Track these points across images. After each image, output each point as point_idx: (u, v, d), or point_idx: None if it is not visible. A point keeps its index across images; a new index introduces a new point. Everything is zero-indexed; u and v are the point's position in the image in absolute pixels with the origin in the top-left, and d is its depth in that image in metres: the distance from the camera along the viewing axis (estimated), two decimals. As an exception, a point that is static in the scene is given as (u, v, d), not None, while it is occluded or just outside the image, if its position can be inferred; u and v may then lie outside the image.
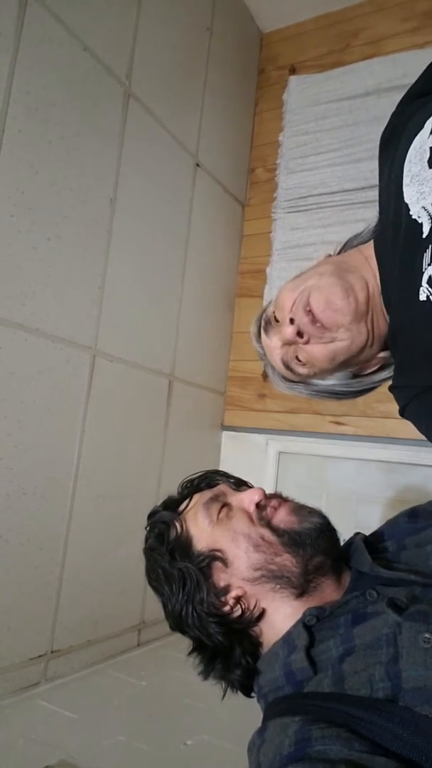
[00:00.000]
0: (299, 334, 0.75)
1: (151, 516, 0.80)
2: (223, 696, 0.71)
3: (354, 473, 1.96)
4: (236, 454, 2.14)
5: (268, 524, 0.70)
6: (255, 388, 2.16)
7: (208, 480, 0.81)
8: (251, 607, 0.68)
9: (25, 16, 1.35)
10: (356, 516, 1.87)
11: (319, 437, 2.01)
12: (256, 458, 2.10)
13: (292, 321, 0.75)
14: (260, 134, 2.36)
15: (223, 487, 0.78)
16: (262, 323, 0.83)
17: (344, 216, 2.05)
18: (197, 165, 2.03)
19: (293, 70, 2.32)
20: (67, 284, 1.49)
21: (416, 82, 0.76)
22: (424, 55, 1.99)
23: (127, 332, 1.70)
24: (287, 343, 0.78)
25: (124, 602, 1.68)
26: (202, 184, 2.06)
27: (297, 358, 0.78)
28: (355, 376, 0.81)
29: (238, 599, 0.68)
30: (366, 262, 0.76)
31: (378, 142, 0.81)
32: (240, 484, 0.81)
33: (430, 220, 0.64)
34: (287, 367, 0.80)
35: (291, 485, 2.03)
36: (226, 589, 0.69)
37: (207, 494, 0.76)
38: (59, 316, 1.46)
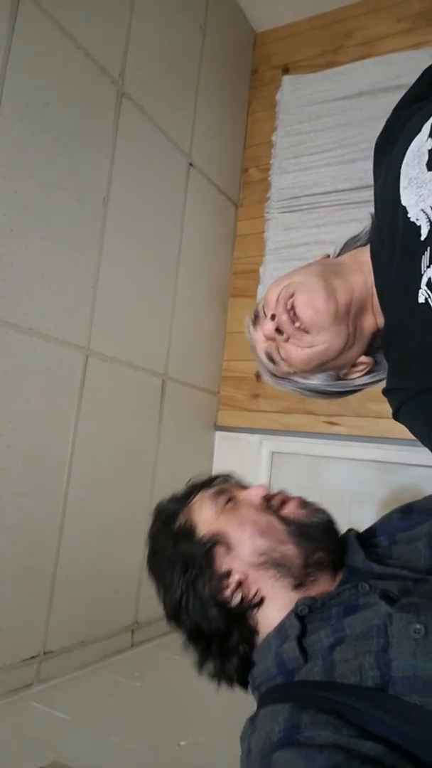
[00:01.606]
0: (278, 330, 0.75)
1: (157, 507, 0.81)
2: (218, 687, 0.72)
3: (348, 473, 1.97)
4: (230, 454, 2.14)
5: (276, 513, 0.72)
6: (248, 388, 2.16)
7: (214, 479, 0.83)
8: (251, 594, 0.69)
9: (18, 15, 1.35)
10: (350, 516, 1.87)
11: (313, 437, 2.01)
12: (249, 458, 2.09)
13: (273, 317, 0.76)
14: (253, 134, 2.36)
15: (228, 485, 0.80)
16: (252, 316, 0.84)
17: (338, 216, 2.05)
18: (190, 165, 2.03)
19: (287, 70, 2.32)
20: (60, 284, 1.48)
21: (412, 86, 0.76)
22: (417, 56, 2.00)
23: (120, 332, 1.70)
24: (270, 339, 0.78)
25: (117, 603, 1.68)
26: (195, 184, 2.06)
27: (279, 353, 0.79)
28: (339, 378, 0.82)
29: (239, 584, 0.69)
30: (359, 266, 0.77)
31: (372, 143, 0.81)
32: (245, 486, 0.82)
33: (428, 223, 0.64)
34: (271, 359, 0.81)
35: (285, 485, 1.99)
36: (228, 573, 0.70)
37: (213, 489, 0.78)
38: (52, 316, 1.46)
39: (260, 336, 0.81)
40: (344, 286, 0.74)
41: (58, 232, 1.47)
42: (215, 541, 0.71)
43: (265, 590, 0.69)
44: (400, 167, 0.69)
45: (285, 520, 0.71)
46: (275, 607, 0.68)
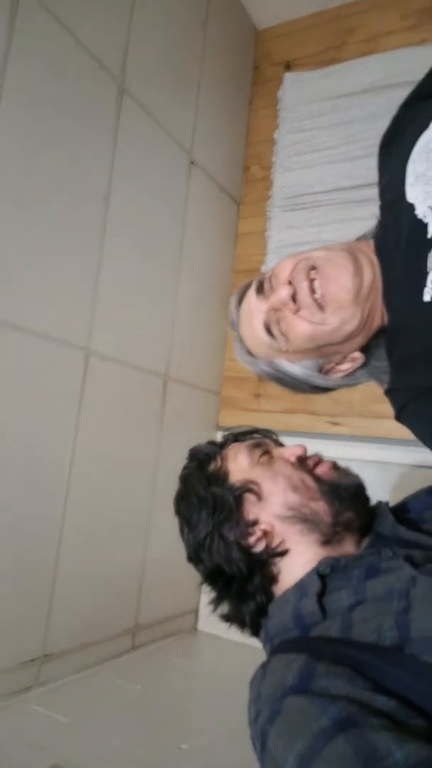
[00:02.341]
0: (293, 298, 0.73)
1: (191, 450, 0.82)
2: (230, 625, 0.73)
3: (350, 474, 1.95)
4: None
5: (310, 472, 0.73)
6: (250, 388, 2.15)
7: (251, 433, 0.84)
8: (275, 544, 0.70)
9: (18, 10, 1.34)
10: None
11: (315, 438, 1.99)
12: (251, 458, 2.08)
13: (290, 282, 0.73)
14: (255, 131, 2.34)
15: (266, 440, 0.81)
16: (255, 284, 0.81)
17: (341, 214, 2.03)
18: (192, 162, 2.02)
19: (289, 67, 2.30)
20: (60, 283, 1.47)
21: (420, 83, 0.75)
22: (421, 53, 1.98)
23: (120, 331, 1.69)
24: (274, 309, 0.75)
25: (118, 605, 1.67)
26: (196, 181, 2.04)
27: (279, 327, 0.76)
28: (322, 370, 0.80)
29: (265, 533, 0.70)
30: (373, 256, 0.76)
31: (375, 141, 0.81)
32: (282, 445, 0.83)
33: None
34: (268, 331, 0.77)
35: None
36: (255, 522, 0.71)
37: (250, 442, 0.79)
38: (52, 315, 1.45)
39: (262, 306, 0.77)
40: (369, 266, 0.73)
41: (58, 230, 1.46)
42: (246, 488, 0.72)
43: (291, 543, 0.70)
44: (406, 164, 0.69)
45: (318, 479, 0.72)
46: (299, 561, 0.69)
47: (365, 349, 0.78)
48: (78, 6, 1.51)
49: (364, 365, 0.79)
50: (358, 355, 0.77)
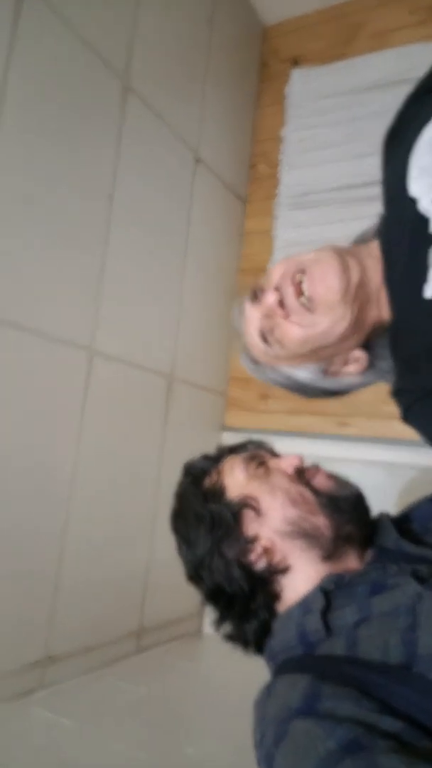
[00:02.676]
0: (280, 304, 0.73)
1: (186, 465, 0.81)
2: (232, 647, 0.72)
3: (359, 476, 1.92)
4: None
5: (308, 484, 0.72)
6: (257, 388, 2.13)
7: (246, 445, 0.82)
8: (277, 561, 0.68)
9: (22, 8, 1.33)
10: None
11: (323, 439, 1.98)
12: (258, 459, 2.07)
13: (276, 289, 0.74)
14: (262, 129, 2.33)
15: (261, 451, 0.80)
16: (250, 294, 0.81)
17: (348, 212, 2.01)
18: (197, 160, 2.00)
19: (296, 63, 2.28)
20: (64, 282, 1.47)
21: (423, 78, 0.74)
22: (430, 49, 1.96)
23: (124, 331, 1.68)
24: (267, 315, 0.75)
25: (122, 607, 1.66)
26: (202, 180, 2.03)
27: (274, 334, 0.76)
28: (327, 373, 0.79)
29: (265, 550, 0.68)
30: (369, 255, 0.75)
31: (383, 137, 0.79)
32: (277, 455, 0.81)
33: None
34: (263, 338, 0.77)
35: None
36: (255, 538, 0.69)
37: (245, 454, 0.77)
38: (56, 315, 1.44)
39: (256, 313, 0.78)
40: (358, 265, 0.72)
41: (62, 229, 1.45)
42: (245, 504, 0.70)
43: (292, 559, 0.68)
44: (408, 157, 0.68)
45: (317, 492, 0.71)
46: (301, 577, 0.68)
47: (370, 349, 0.77)
48: (82, 3, 1.50)
49: (371, 366, 0.78)
50: (359, 354, 0.76)
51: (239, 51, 2.26)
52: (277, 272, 0.75)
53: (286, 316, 0.73)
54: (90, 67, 1.53)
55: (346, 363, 0.77)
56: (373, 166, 1.94)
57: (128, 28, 1.67)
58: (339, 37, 2.20)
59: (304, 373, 0.79)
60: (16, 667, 1.34)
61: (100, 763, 1.11)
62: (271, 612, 0.69)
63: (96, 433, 1.56)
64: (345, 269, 0.71)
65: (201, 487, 0.75)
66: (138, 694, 1.42)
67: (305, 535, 0.68)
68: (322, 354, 0.76)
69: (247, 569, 0.68)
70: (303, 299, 0.72)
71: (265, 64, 2.38)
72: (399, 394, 0.72)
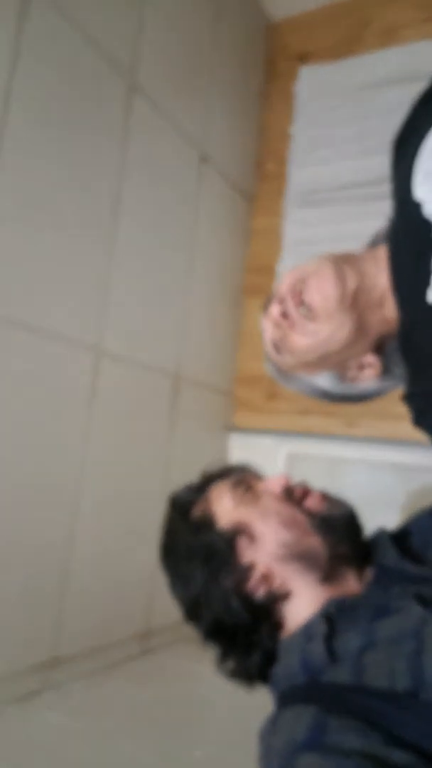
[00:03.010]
0: (284, 315, 0.75)
1: (171, 497, 0.79)
2: (238, 685, 0.69)
3: (367, 477, 1.92)
4: (244, 456, 2.10)
5: (299, 505, 0.71)
6: (263, 388, 2.12)
7: (231, 470, 0.80)
8: (276, 587, 0.67)
9: (28, 8, 1.33)
10: (369, 521, 1.83)
11: (331, 439, 1.97)
12: (264, 461, 2.04)
13: (281, 301, 0.76)
14: (269, 127, 2.31)
15: (247, 475, 0.78)
16: (264, 306, 0.83)
17: (357, 210, 2.00)
18: (204, 159, 2.00)
19: (304, 61, 2.27)
20: (70, 282, 1.47)
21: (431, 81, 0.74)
22: (439, 45, 1.94)
23: (131, 331, 1.67)
24: (276, 326, 0.78)
25: (128, 609, 1.66)
26: (209, 179, 2.02)
27: (283, 343, 0.78)
28: (344, 379, 0.80)
29: (264, 576, 0.67)
30: (374, 260, 0.75)
31: (391, 135, 0.79)
32: (262, 477, 0.80)
33: None
34: (276, 348, 0.79)
35: (301, 488, 1.99)
36: (252, 566, 0.67)
37: (231, 479, 0.76)
38: (62, 315, 1.44)
39: (269, 325, 0.80)
40: (354, 272, 0.73)
41: (68, 228, 1.45)
42: (238, 531, 0.69)
43: (291, 584, 0.67)
44: (414, 161, 0.68)
45: (308, 513, 0.70)
46: (302, 602, 0.66)
47: (383, 354, 0.77)
48: (88, 3, 1.49)
49: (386, 371, 0.78)
50: (371, 359, 0.77)
51: (246, 49, 2.25)
52: (285, 283, 0.77)
53: (291, 326, 0.75)
54: (96, 66, 1.53)
55: (361, 368, 0.78)
56: (381, 164, 1.92)
57: (134, 26, 1.66)
58: (346, 34, 2.18)
59: (323, 380, 0.80)
60: (22, 668, 1.34)
61: (107, 765, 1.11)
62: (275, 641, 0.67)
63: (103, 432, 1.56)
64: (340, 278, 0.72)
65: (189, 519, 0.73)
66: (144, 696, 1.42)
67: (301, 557, 0.67)
68: (332, 360, 0.77)
69: (247, 599, 0.67)
70: (303, 309, 0.73)
71: (272, 61, 2.36)
72: (410, 398, 0.72)
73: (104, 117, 1.56)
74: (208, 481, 0.78)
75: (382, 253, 0.75)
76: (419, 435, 0.76)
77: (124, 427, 1.64)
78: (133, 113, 1.66)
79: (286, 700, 0.60)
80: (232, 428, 2.16)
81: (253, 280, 2.24)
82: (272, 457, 2.05)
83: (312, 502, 0.71)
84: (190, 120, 1.92)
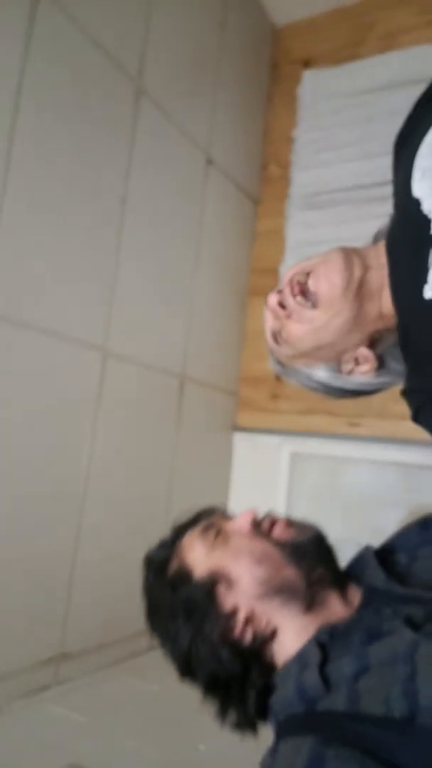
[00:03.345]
0: (281, 305, 0.76)
1: (145, 559, 0.79)
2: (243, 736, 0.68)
3: (370, 476, 1.93)
4: (248, 455, 2.12)
5: (268, 537, 0.71)
6: (267, 388, 2.14)
7: (198, 517, 0.80)
8: (262, 627, 0.66)
9: (37, 13, 1.34)
10: (372, 520, 1.84)
11: (334, 439, 1.98)
12: (268, 460, 2.07)
13: (279, 292, 0.77)
14: (273, 130, 2.33)
15: (214, 518, 0.77)
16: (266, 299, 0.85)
17: (360, 213, 2.01)
18: (209, 162, 2.01)
19: (307, 65, 2.28)
20: (77, 283, 1.48)
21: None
22: (440, 49, 1.96)
23: (137, 332, 1.69)
24: (275, 317, 0.79)
25: (135, 605, 1.65)
26: (213, 181, 2.04)
27: (281, 333, 0.79)
28: (341, 372, 0.80)
29: (248, 620, 0.66)
30: (376, 255, 0.76)
31: (394, 137, 0.80)
32: (230, 516, 0.80)
33: None
34: (275, 339, 0.80)
35: (304, 488, 2.00)
36: (234, 611, 0.67)
37: (199, 526, 0.75)
38: (69, 316, 1.45)
39: (269, 316, 0.81)
40: (361, 263, 0.74)
41: (75, 230, 1.47)
42: (214, 579, 0.68)
43: (276, 620, 0.66)
44: (413, 159, 0.69)
45: (278, 544, 0.69)
46: (290, 635, 0.66)
47: (379, 349, 0.78)
48: (96, 7, 1.51)
49: (383, 366, 0.79)
50: (366, 352, 0.77)
51: (250, 53, 2.26)
52: (287, 276, 0.78)
53: (288, 315, 0.76)
54: (103, 70, 1.54)
55: (357, 363, 0.78)
56: (384, 166, 1.93)
57: (141, 31, 1.68)
58: (349, 39, 2.19)
59: (321, 373, 0.80)
60: (30, 664, 1.35)
61: (113, 760, 1.12)
62: (269, 678, 0.66)
63: (109, 432, 1.57)
64: (348, 266, 0.73)
65: (165, 578, 0.72)
66: (151, 691, 1.43)
67: (280, 590, 0.66)
68: (328, 351, 0.77)
69: (235, 647, 0.66)
70: (300, 298, 0.74)
71: (276, 65, 2.38)
72: (409, 394, 0.73)
73: (112, 120, 1.58)
74: (178, 533, 0.78)
75: (382, 249, 0.76)
76: (421, 434, 0.77)
77: (129, 427, 1.66)
78: (140, 116, 1.67)
79: (284, 730, 0.60)
80: (237, 428, 2.17)
81: (257, 281, 2.25)
82: (276, 457, 2.07)
83: (279, 532, 0.71)
84: (195, 123, 1.93)
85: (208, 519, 0.77)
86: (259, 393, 2.16)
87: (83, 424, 1.50)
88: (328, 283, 0.73)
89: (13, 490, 1.32)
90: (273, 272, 2.20)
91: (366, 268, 0.74)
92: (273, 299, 0.77)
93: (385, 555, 0.75)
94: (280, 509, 1.98)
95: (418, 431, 0.77)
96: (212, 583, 0.68)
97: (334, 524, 2.00)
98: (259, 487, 2.04)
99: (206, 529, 0.74)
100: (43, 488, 1.39)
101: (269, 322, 0.81)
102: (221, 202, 2.09)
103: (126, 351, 1.63)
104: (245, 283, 2.25)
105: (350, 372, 0.79)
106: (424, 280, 0.64)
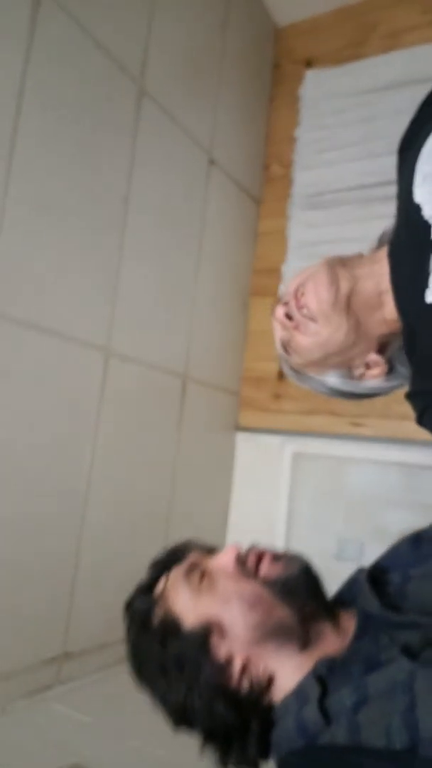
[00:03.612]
0: (288, 316, 0.78)
1: (127, 608, 0.73)
2: None
3: (372, 476, 1.93)
4: (251, 455, 2.12)
5: (255, 577, 0.67)
6: (270, 388, 2.14)
7: (177, 554, 0.76)
8: (259, 674, 0.64)
9: (39, 14, 1.35)
10: (375, 520, 1.84)
11: (337, 439, 1.98)
12: (271, 460, 2.07)
13: (285, 303, 0.79)
14: (276, 130, 2.33)
15: (194, 557, 0.73)
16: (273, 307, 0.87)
17: (362, 212, 2.01)
18: (211, 162, 2.01)
19: (310, 65, 2.28)
20: (80, 283, 1.48)
21: None
22: (443, 48, 1.95)
23: (140, 331, 1.69)
24: (284, 327, 0.81)
25: (138, 604, 1.67)
26: (216, 181, 2.04)
27: (290, 343, 0.81)
28: (352, 378, 0.82)
29: (243, 668, 0.64)
30: (371, 261, 0.77)
31: (397, 137, 0.80)
32: (210, 550, 0.76)
33: None
34: (285, 349, 0.82)
35: (307, 488, 2.00)
36: (229, 660, 0.64)
37: (181, 568, 0.71)
38: (73, 316, 1.46)
39: (278, 326, 0.82)
40: (348, 275, 0.75)
41: (78, 231, 1.47)
42: (207, 630, 0.64)
43: (273, 665, 0.64)
44: (415, 164, 0.69)
45: (267, 583, 0.66)
46: (287, 675, 0.64)
47: (388, 353, 0.79)
48: (98, 8, 1.51)
49: (392, 370, 0.80)
50: (376, 358, 0.78)
51: (252, 53, 2.26)
52: (291, 286, 0.80)
53: (296, 327, 0.78)
54: (106, 71, 1.55)
55: (368, 367, 0.80)
56: (386, 166, 1.93)
57: (143, 32, 1.68)
58: (352, 39, 2.19)
59: (332, 379, 0.82)
60: (33, 663, 1.36)
61: (117, 759, 1.12)
62: (267, 725, 0.63)
63: (112, 432, 1.57)
64: (333, 281, 0.74)
65: (151, 630, 0.67)
66: (153, 691, 1.43)
67: (274, 633, 0.64)
68: (336, 360, 0.79)
69: (232, 699, 0.63)
70: (305, 311, 0.76)
71: (278, 65, 2.38)
72: (414, 396, 0.73)
73: (114, 121, 1.58)
74: (157, 574, 0.74)
75: (382, 255, 0.76)
76: (424, 434, 0.77)
77: (132, 427, 1.66)
78: (142, 117, 1.68)
79: (286, 765, 0.60)
80: (239, 428, 2.17)
81: (259, 281, 2.25)
82: (278, 457, 2.07)
83: (266, 569, 0.68)
84: (198, 123, 1.93)
85: (188, 555, 0.73)
86: (262, 393, 2.16)
87: (86, 424, 1.50)
88: (316, 298, 0.75)
89: (16, 490, 1.32)
90: (275, 272, 2.20)
91: (354, 279, 0.75)
92: (280, 311, 0.79)
93: (377, 574, 0.74)
94: (283, 509, 1.98)
95: (421, 431, 0.77)
96: (205, 634, 0.64)
97: (337, 524, 2.00)
98: (262, 488, 2.05)
99: (190, 572, 0.70)
100: (46, 488, 1.39)
101: (278, 333, 0.82)
102: (223, 202, 2.09)
103: (128, 351, 1.64)
104: (247, 283, 2.25)
105: (361, 377, 0.80)
106: (426, 285, 0.64)
